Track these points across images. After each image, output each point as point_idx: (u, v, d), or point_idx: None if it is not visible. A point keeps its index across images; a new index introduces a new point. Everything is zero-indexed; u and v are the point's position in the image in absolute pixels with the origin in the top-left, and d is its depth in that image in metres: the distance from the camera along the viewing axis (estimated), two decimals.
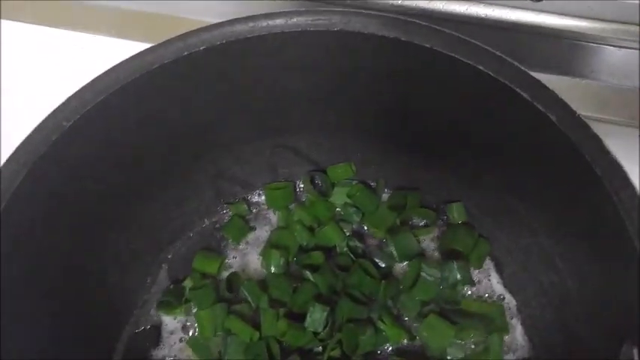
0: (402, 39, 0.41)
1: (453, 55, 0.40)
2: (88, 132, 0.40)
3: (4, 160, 0.37)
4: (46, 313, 0.42)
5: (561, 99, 0.37)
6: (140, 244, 0.50)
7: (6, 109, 0.63)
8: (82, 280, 0.45)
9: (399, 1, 0.59)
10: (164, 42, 0.42)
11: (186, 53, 0.41)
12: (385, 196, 0.56)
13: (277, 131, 0.53)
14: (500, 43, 0.60)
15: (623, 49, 0.59)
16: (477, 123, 0.45)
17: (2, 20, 0.69)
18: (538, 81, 0.38)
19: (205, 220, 0.55)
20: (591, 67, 0.60)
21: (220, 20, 0.65)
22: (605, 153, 0.35)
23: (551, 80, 0.59)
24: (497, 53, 0.39)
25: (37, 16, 0.69)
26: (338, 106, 0.50)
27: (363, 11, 0.42)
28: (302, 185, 0.57)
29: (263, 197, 0.56)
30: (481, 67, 0.39)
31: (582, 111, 0.51)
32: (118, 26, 0.68)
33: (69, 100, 0.39)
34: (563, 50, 0.60)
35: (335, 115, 0.51)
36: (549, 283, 0.46)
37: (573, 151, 0.36)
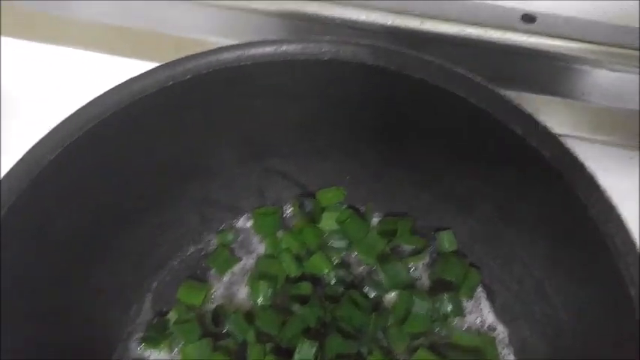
0: (392, 69, 0.40)
1: (443, 87, 0.39)
2: (72, 164, 0.39)
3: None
4: (26, 347, 0.40)
5: (555, 135, 0.37)
6: (124, 273, 0.49)
7: (6, 120, 0.62)
8: (65, 314, 0.43)
9: (390, 22, 0.58)
10: (149, 71, 0.41)
11: (171, 83, 0.41)
12: (375, 221, 0.55)
13: (265, 156, 0.52)
14: (493, 64, 0.60)
15: (615, 72, 0.58)
16: (468, 152, 0.44)
17: (2, 37, 0.68)
18: (530, 116, 0.37)
19: (191, 246, 0.54)
20: (582, 90, 0.60)
21: (209, 37, 0.65)
22: (600, 194, 0.34)
23: (542, 101, 0.60)
24: (489, 86, 0.39)
25: (37, 34, 0.68)
26: (327, 132, 0.49)
27: (353, 40, 0.41)
28: (291, 209, 0.56)
29: (249, 223, 0.55)
30: (472, 101, 0.38)
31: (575, 132, 0.50)
32: (117, 44, 0.67)
33: (53, 131, 0.38)
34: (554, 72, 0.59)
35: (324, 140, 0.50)
36: (542, 315, 0.45)
37: (566, 189, 0.35)
